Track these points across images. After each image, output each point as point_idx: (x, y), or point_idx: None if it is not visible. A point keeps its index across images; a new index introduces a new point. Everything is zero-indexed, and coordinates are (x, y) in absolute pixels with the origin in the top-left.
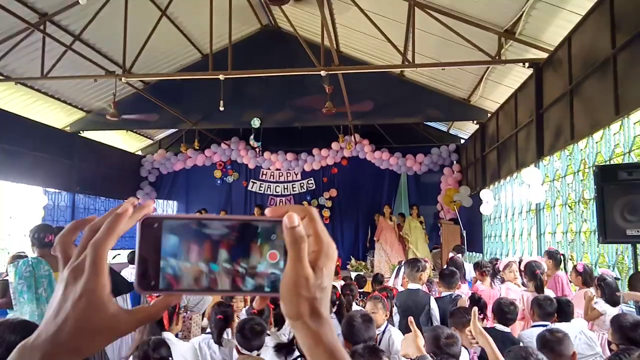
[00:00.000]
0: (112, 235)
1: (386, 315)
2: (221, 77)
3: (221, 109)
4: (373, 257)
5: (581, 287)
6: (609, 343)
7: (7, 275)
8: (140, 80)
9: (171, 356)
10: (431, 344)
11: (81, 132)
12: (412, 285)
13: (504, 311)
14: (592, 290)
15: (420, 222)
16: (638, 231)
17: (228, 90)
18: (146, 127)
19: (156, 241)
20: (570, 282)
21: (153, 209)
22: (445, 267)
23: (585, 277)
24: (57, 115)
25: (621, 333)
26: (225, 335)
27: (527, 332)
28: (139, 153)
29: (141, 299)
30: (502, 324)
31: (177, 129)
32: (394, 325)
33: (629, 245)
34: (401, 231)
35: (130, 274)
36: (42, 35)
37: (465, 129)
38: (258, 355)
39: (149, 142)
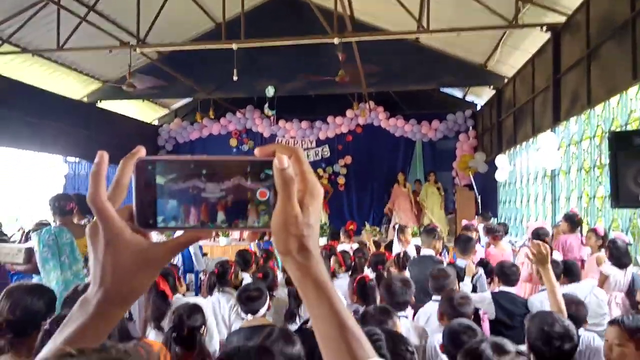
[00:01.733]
0: (99, 185)
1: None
2: (234, 46)
3: (235, 78)
4: (388, 224)
5: (596, 250)
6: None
7: (30, 241)
8: (156, 51)
9: (205, 323)
10: (446, 305)
11: (98, 102)
12: (425, 251)
13: (507, 273)
14: (603, 254)
15: (438, 189)
16: None
17: (241, 60)
18: (161, 97)
19: (151, 182)
20: (584, 244)
21: (70, 207)
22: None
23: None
24: (74, 87)
25: None
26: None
27: (537, 297)
28: (156, 123)
29: None
30: (506, 285)
31: (192, 99)
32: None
33: None
34: (417, 197)
35: None
36: (57, 6)
37: (482, 95)
38: (263, 317)
39: (165, 111)
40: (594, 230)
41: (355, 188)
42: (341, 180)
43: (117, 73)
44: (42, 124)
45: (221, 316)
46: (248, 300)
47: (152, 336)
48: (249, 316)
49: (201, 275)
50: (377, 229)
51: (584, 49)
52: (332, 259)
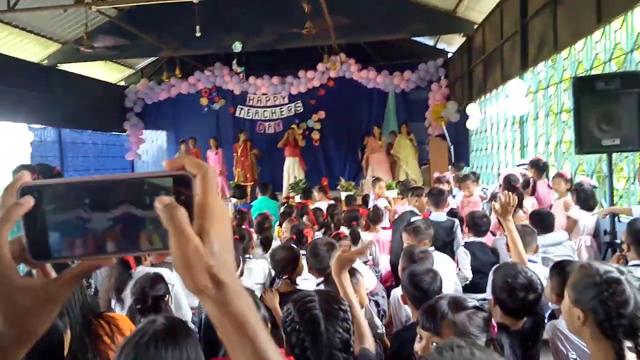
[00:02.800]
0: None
1: None
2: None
3: (197, 34)
4: (364, 178)
5: (564, 194)
6: (620, 243)
7: None
8: (114, 8)
9: (169, 292)
10: (406, 259)
11: (59, 65)
12: (405, 208)
13: (478, 224)
14: (570, 199)
15: (411, 140)
16: (613, 140)
17: (205, 15)
18: (124, 57)
19: (38, 210)
20: (551, 188)
21: (33, 178)
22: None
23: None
24: (31, 49)
25: (635, 236)
26: None
27: (502, 240)
28: (122, 83)
29: None
30: (476, 236)
31: (157, 57)
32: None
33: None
34: (391, 150)
35: None
36: None
37: (453, 43)
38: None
39: (130, 71)
40: (561, 175)
41: (331, 143)
42: (316, 135)
43: (76, 33)
44: (0, 90)
45: None
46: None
47: (118, 310)
48: None
49: None
50: (353, 183)
51: None
52: (305, 218)
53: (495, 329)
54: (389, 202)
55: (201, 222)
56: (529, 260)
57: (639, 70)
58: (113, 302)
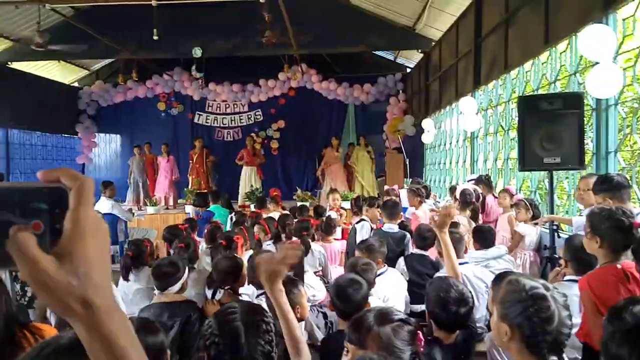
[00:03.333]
0: None
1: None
2: (153, 3)
3: (155, 37)
4: (322, 188)
5: (508, 209)
6: (558, 258)
7: None
8: (71, 7)
9: None
10: (349, 271)
11: (10, 63)
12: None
13: (423, 237)
14: (514, 214)
15: (368, 152)
16: (554, 159)
17: (165, 19)
18: (79, 57)
19: None
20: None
21: None
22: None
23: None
24: None
25: (573, 252)
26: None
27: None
28: (76, 84)
29: None
30: (420, 249)
31: (114, 60)
32: None
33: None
34: (349, 161)
35: None
36: None
37: (412, 58)
38: (179, 292)
39: (85, 72)
40: (506, 190)
41: (289, 152)
42: (274, 144)
43: (29, 31)
44: None
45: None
46: (160, 277)
47: (53, 320)
48: (156, 292)
49: (126, 246)
50: (309, 193)
51: (503, 13)
52: (256, 227)
53: (422, 342)
54: (341, 215)
55: (68, 237)
56: (460, 264)
57: (581, 92)
58: (49, 312)
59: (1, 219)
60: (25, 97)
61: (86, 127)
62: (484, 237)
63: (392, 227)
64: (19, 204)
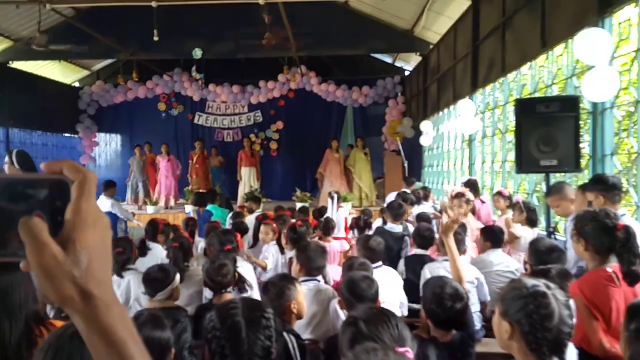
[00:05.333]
0: None
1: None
2: (154, 4)
3: (155, 38)
4: (321, 189)
5: (504, 211)
6: (525, 263)
7: None
8: (71, 7)
9: None
10: (346, 270)
11: (10, 62)
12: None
13: (423, 236)
14: (510, 216)
15: (365, 154)
16: (551, 161)
17: (165, 20)
18: (80, 57)
19: None
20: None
21: None
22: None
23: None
24: None
25: (537, 256)
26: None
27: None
28: (76, 84)
29: None
30: (421, 248)
31: (114, 60)
32: None
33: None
34: (346, 163)
35: None
36: None
37: (410, 61)
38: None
39: (86, 72)
40: (500, 193)
41: (288, 154)
42: (273, 145)
43: (30, 31)
44: None
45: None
46: (149, 282)
47: (52, 314)
48: (145, 297)
49: None
50: (308, 194)
51: (500, 16)
52: (263, 227)
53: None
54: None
55: (69, 229)
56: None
57: (577, 95)
58: (49, 307)
59: (3, 210)
60: (25, 97)
61: (87, 127)
62: (495, 236)
63: (393, 227)
64: (21, 195)
